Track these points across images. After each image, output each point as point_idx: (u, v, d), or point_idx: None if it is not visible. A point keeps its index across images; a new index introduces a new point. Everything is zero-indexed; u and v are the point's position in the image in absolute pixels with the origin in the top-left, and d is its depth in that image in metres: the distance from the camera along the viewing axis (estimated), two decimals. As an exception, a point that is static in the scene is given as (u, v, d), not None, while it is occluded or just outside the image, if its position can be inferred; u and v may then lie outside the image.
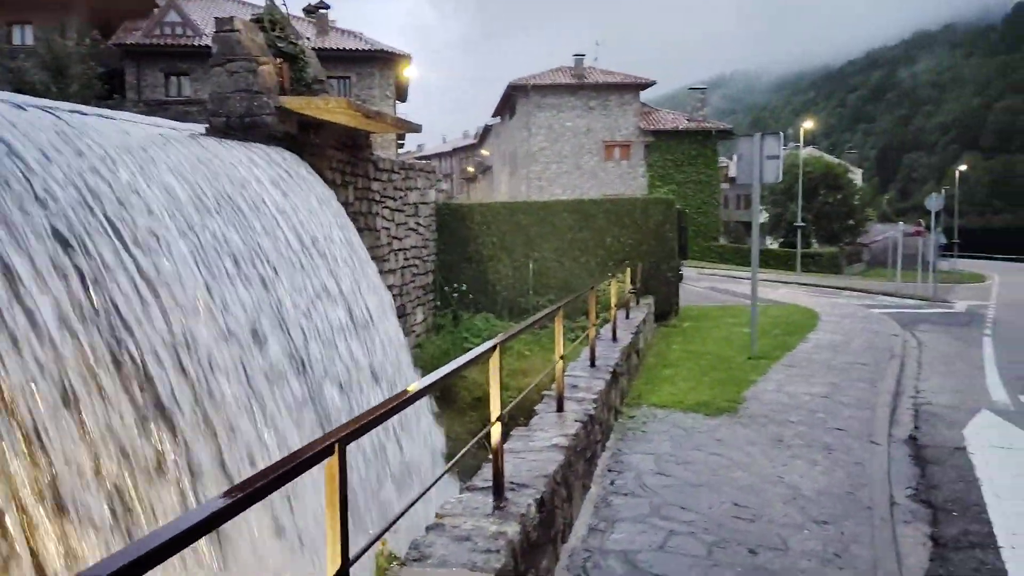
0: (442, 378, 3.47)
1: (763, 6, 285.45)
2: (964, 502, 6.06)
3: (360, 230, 11.68)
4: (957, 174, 67.14)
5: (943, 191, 35.29)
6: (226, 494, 1.82)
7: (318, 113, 10.04)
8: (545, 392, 6.82)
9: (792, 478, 6.32)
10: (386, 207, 13.52)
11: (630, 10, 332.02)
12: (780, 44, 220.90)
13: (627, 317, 12.18)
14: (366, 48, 27.48)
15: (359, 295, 9.95)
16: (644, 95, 44.02)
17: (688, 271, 26.64)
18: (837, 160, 60.40)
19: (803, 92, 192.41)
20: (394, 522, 2.86)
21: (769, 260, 43.01)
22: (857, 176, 64.98)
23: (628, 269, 14.13)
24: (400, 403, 2.88)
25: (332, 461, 2.33)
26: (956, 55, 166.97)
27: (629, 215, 16.38)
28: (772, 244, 50.70)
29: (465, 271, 16.21)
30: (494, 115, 51.34)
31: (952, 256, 49.65)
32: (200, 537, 1.63)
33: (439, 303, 15.97)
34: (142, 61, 26.11)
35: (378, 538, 2.73)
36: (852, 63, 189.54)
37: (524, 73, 42.38)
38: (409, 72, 29.13)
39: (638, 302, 14.61)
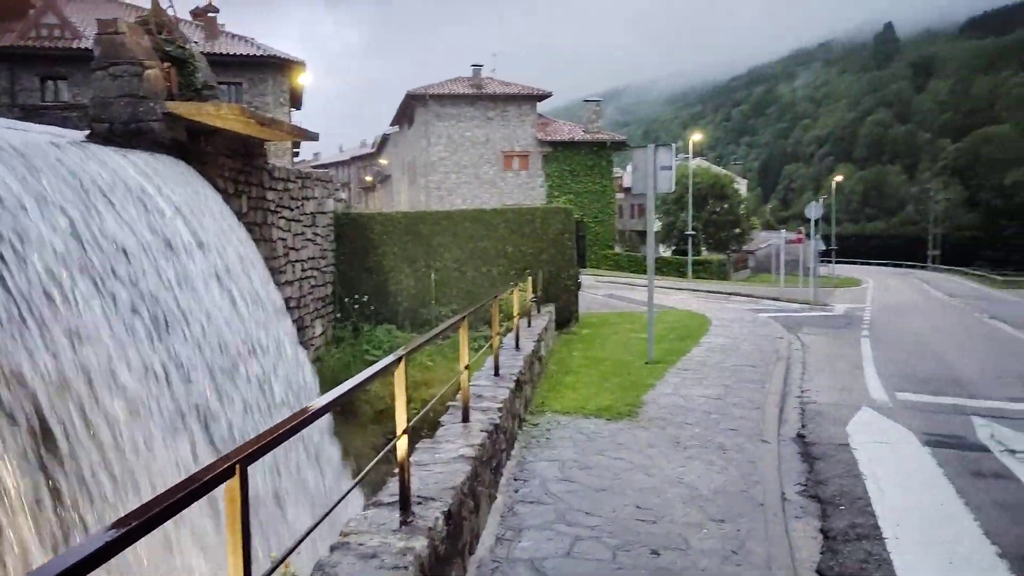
0: (347, 392, 3.39)
1: (654, 23, 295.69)
2: (850, 496, 6.41)
3: (255, 241, 11.33)
4: (833, 184, 71.16)
5: (821, 200, 37.35)
6: (117, 524, 1.71)
7: (209, 120, 9.68)
8: (450, 403, 6.79)
9: (690, 478, 6.52)
10: (282, 217, 13.17)
11: (526, 22, 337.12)
12: (670, 60, 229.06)
13: (529, 325, 12.29)
14: (258, 53, 26.73)
15: (249, 304, 9.64)
16: (541, 106, 44.70)
17: (586, 279, 27.14)
18: (724, 171, 62.99)
19: (691, 106, 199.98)
20: (298, 543, 2.77)
21: (662, 267, 44.37)
22: (742, 186, 67.95)
23: (529, 278, 14.27)
24: (302, 420, 2.79)
25: (232, 484, 2.25)
26: (831, 72, 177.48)
27: (529, 224, 16.55)
28: (665, 252, 52.37)
29: (366, 282, 15.97)
30: (392, 124, 50.93)
31: (830, 261, 52.54)
32: (86, 575, 1.52)
33: (339, 315, 15.66)
34: (16, 64, 24.55)
35: (282, 561, 2.64)
36: (736, 79, 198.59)
37: (422, 81, 42.38)
38: (304, 79, 28.51)
39: (539, 310, 14.77)
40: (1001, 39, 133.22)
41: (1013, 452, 7.61)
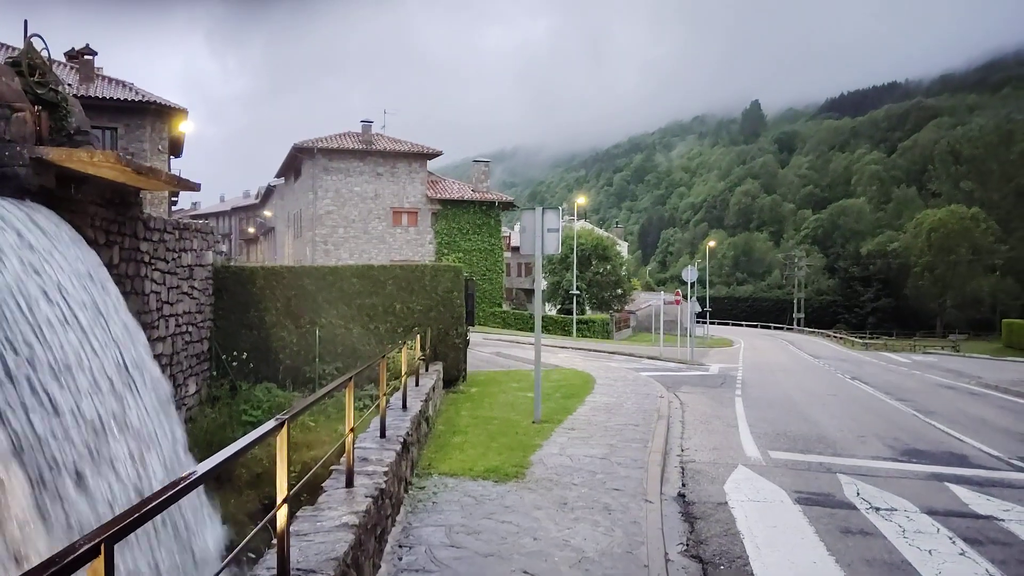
0: (223, 462, 3.20)
1: (541, 89, 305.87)
2: (729, 555, 6.57)
3: (125, 294, 10.72)
4: (707, 249, 74.82)
5: (696, 264, 39.17)
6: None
7: (82, 167, 9.17)
8: (334, 467, 6.55)
9: (577, 541, 6.52)
10: (156, 269, 12.55)
11: (418, 80, 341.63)
12: (555, 125, 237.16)
13: (417, 384, 12.12)
14: (136, 99, 25.75)
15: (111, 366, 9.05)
16: (431, 164, 45.09)
17: (475, 336, 27.18)
18: (606, 234, 65.23)
19: (576, 170, 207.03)
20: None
21: (548, 326, 45.06)
22: (624, 249, 70.49)
23: (418, 336, 14.14)
24: (175, 492, 2.61)
25: (97, 565, 2.06)
26: (704, 144, 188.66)
27: (419, 282, 16.47)
28: (551, 311, 53.27)
29: (245, 338, 15.35)
30: (278, 175, 49.96)
31: (705, 322, 54.86)
32: None
33: (215, 373, 14.94)
34: None
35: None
36: (617, 146, 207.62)
37: (311, 132, 42.07)
38: (185, 126, 27.63)
39: (427, 368, 14.62)
40: (856, 119, 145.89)
41: (878, 510, 8.04)
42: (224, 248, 62.78)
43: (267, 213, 59.69)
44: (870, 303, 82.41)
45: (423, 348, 14.56)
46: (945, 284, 72.61)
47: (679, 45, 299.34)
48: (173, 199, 32.20)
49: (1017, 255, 72.21)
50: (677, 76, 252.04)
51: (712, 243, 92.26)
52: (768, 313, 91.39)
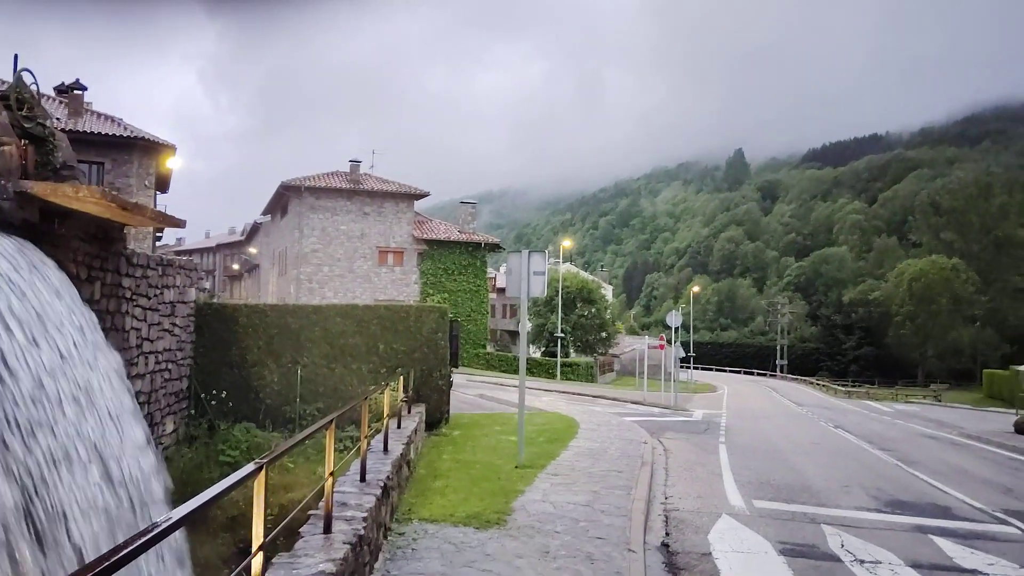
0: (200, 507, 3.12)
1: (531, 132, 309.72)
2: (713, 607, 6.45)
3: (105, 330, 10.57)
4: (691, 294, 75.22)
5: (680, 309, 39.32)
6: None
7: (66, 202, 9.11)
8: (312, 511, 6.41)
9: (559, 592, 6.38)
10: (138, 306, 12.42)
11: (407, 120, 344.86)
12: (543, 168, 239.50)
13: (399, 427, 11.98)
14: (124, 134, 25.78)
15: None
16: (418, 205, 45.27)
17: (458, 378, 26.99)
18: (591, 277, 65.44)
19: (562, 213, 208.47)
20: None
21: (532, 368, 44.90)
22: (608, 292, 70.70)
23: (401, 377, 14.01)
24: (148, 540, 2.53)
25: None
26: (689, 190, 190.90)
27: (403, 322, 16.37)
28: (535, 353, 53.14)
29: (226, 376, 15.15)
30: (264, 213, 49.97)
31: (689, 367, 54.87)
32: None
33: (193, 411, 14.71)
34: None
35: None
36: (603, 191, 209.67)
37: (300, 171, 42.14)
38: (173, 162, 27.65)
39: (410, 410, 14.46)
40: (837, 170, 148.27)
41: (863, 562, 7.96)
42: (207, 285, 62.45)
43: (252, 250, 59.53)
44: (852, 351, 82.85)
45: (406, 389, 14.42)
46: (926, 334, 73.20)
47: (667, 94, 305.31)
48: (158, 234, 32.09)
49: (996, 306, 73.08)
50: (664, 124, 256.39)
51: (696, 288, 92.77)
52: (751, 359, 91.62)
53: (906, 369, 76.77)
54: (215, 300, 19.77)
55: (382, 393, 10.86)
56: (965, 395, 56.88)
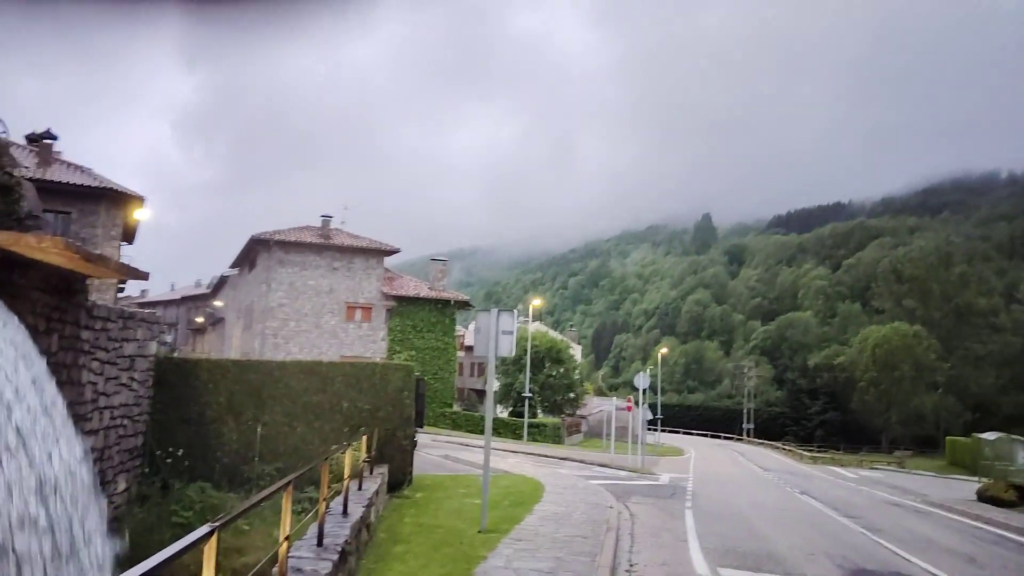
0: (148, 572, 3.00)
1: (503, 192, 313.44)
2: None
3: (60, 384, 10.28)
4: (659, 356, 75.47)
5: (648, 370, 39.39)
6: None
7: (29, 251, 8.95)
8: (265, 578, 6.18)
9: (520, 665, 6.19)
10: (96, 359, 12.12)
11: (382, 175, 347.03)
12: (514, 226, 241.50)
13: (360, 488, 11.71)
14: (91, 184, 25.57)
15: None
16: (388, 261, 45.25)
17: (424, 438, 26.62)
18: (560, 336, 65.51)
19: (532, 272, 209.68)
20: None
21: (499, 428, 44.46)
22: (577, 352, 70.69)
23: (364, 436, 13.77)
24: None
25: None
26: (657, 252, 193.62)
27: (368, 379, 16.16)
28: (502, 413, 52.71)
29: (183, 433, 14.75)
30: (232, 266, 49.56)
31: (656, 430, 54.72)
32: None
33: (147, 469, 14.26)
34: None
35: None
36: (574, 251, 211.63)
37: (271, 225, 42.01)
38: (141, 213, 27.42)
39: (372, 471, 14.18)
40: (802, 236, 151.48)
41: (826, 633, 7.85)
42: (169, 338, 61.41)
43: (218, 303, 58.82)
44: (817, 416, 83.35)
45: (369, 449, 14.15)
46: (890, 400, 73.99)
47: (638, 157, 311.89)
48: (121, 286, 31.63)
49: (958, 374, 74.29)
50: (634, 186, 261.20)
51: (664, 350, 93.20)
52: (718, 422, 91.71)
53: (871, 435, 77.29)
54: (176, 354, 19.41)
55: (344, 453, 10.64)
56: (928, 462, 57.29)
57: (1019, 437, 46.42)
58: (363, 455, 12.92)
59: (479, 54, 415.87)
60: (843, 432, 79.91)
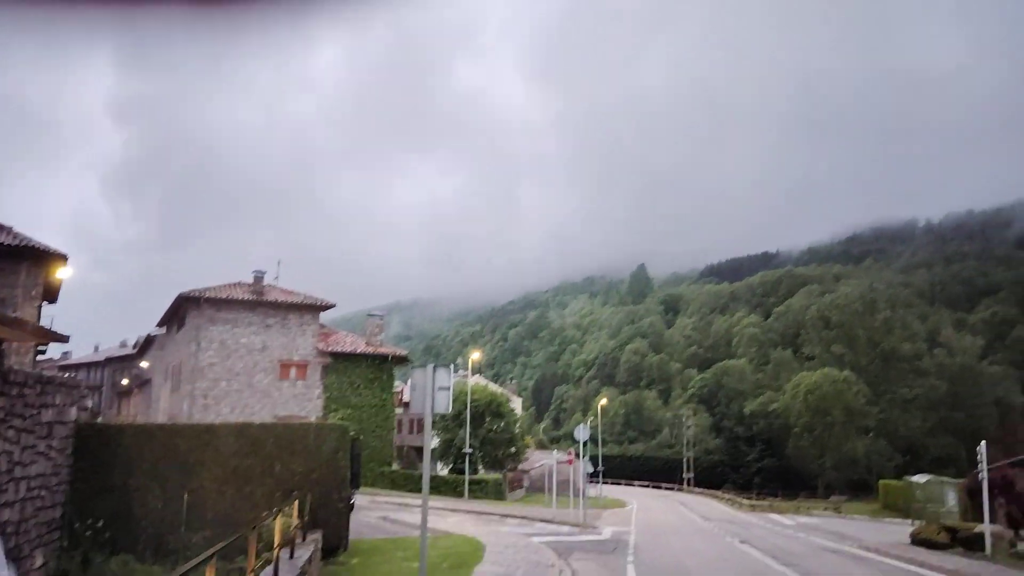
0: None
1: (443, 244, 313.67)
2: None
3: (-31, 456, 9.70)
4: (599, 407, 75.71)
5: (588, 422, 39.42)
6: None
7: (-67, 317, 8.51)
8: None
9: None
10: (11, 427, 11.49)
11: (319, 230, 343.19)
12: (454, 279, 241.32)
13: (291, 556, 11.28)
14: (12, 243, 24.62)
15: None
16: (326, 316, 44.54)
17: (361, 499, 25.89)
18: (501, 389, 65.18)
19: (471, 324, 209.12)
20: None
21: (439, 486, 43.66)
22: (518, 405, 70.43)
23: (295, 501, 13.32)
24: None
25: None
26: (595, 303, 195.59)
27: (301, 441, 15.73)
28: (443, 470, 51.82)
29: (105, 503, 14.02)
30: (160, 325, 48.04)
31: (598, 482, 54.55)
32: None
33: (66, 543, 13.47)
34: None
35: None
36: (513, 302, 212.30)
37: (203, 281, 40.91)
38: (64, 272, 26.44)
39: (305, 537, 13.69)
40: (733, 285, 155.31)
41: None
42: (90, 403, 58.91)
43: (144, 364, 56.81)
44: (755, 463, 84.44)
45: (301, 514, 13.69)
46: (823, 445, 75.55)
47: (576, 209, 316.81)
48: (41, 348, 30.34)
49: (887, 417, 76.53)
50: (572, 237, 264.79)
51: (604, 401, 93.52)
52: (659, 472, 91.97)
53: (807, 480, 78.54)
54: (100, 419, 18.60)
55: (274, 520, 10.26)
56: (863, 506, 58.40)
57: (948, 479, 47.90)
58: (295, 520, 12.48)
59: (420, 107, 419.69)
60: (780, 478, 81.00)
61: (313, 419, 34.20)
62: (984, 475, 29.98)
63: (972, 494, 34.71)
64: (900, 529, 33.23)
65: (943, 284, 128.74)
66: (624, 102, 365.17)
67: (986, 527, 25.23)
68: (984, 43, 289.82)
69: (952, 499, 43.23)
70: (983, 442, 30.77)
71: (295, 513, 12.58)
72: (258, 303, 40.98)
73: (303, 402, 40.89)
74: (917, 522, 36.11)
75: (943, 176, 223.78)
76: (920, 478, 49.11)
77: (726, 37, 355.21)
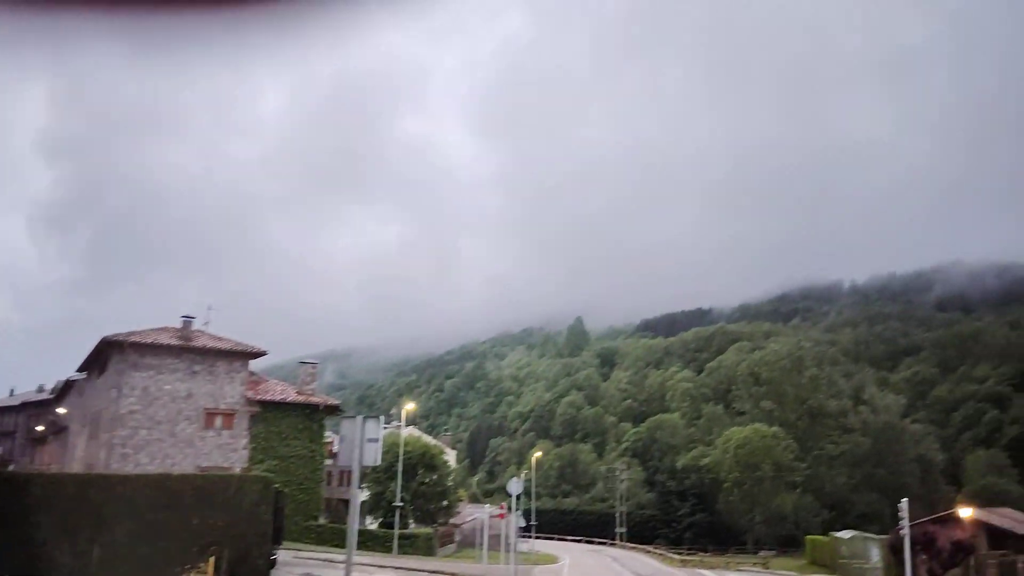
0: None
1: (382, 294, 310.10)
2: None
3: None
4: (533, 460, 75.29)
5: (522, 475, 39.16)
6: None
7: None
8: None
9: None
10: (-96, 477, 10.83)
11: (254, 276, 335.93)
12: (392, 329, 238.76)
13: (204, 616, 10.79)
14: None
15: None
16: (257, 364, 43.46)
17: (285, 554, 24.99)
18: (434, 441, 64.30)
19: (407, 375, 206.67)
20: None
21: (367, 541, 42.48)
22: (452, 457, 69.46)
23: (212, 557, 12.82)
24: None
25: None
26: (532, 355, 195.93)
27: (222, 494, 15.21)
28: (372, 524, 50.54)
29: (9, 559, 13.25)
30: (80, 369, 46.12)
31: (530, 537, 53.95)
32: None
33: (-40, 602, 12.65)
34: None
35: None
36: (450, 353, 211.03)
37: (130, 326, 39.45)
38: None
39: (220, 595, 13.14)
40: (668, 340, 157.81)
41: None
42: (1, 450, 55.97)
43: (61, 410, 54.29)
44: (687, 518, 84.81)
45: (218, 570, 13.17)
46: (753, 500, 76.48)
47: (515, 261, 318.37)
48: (-52, 391, 28.83)
49: (814, 473, 78.12)
50: (511, 289, 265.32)
51: (539, 454, 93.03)
52: (592, 526, 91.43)
53: (737, 535, 79.15)
54: (12, 467, 17.65)
55: (188, 578, 9.84)
56: (790, 561, 59.07)
57: (872, 535, 48.96)
58: (211, 578, 11.99)
59: (362, 157, 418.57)
60: (711, 533, 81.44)
61: (238, 470, 33.10)
62: (906, 531, 30.84)
63: (895, 550, 35.64)
64: (825, 585, 33.71)
65: (867, 343, 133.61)
66: (566, 159, 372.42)
67: (906, 583, 25.81)
68: (909, 117, 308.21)
69: (876, 555, 44.18)
70: (905, 499, 31.72)
71: (210, 570, 12.09)
72: (185, 349, 39.77)
73: (228, 452, 39.52)
74: (842, 578, 36.70)
75: (868, 240, 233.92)
76: (845, 534, 50.07)
77: (666, 103, 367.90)
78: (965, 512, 38.27)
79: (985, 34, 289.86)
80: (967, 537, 35.67)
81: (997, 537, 42.26)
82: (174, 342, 39.63)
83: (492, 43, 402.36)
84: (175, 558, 14.09)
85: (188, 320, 41.70)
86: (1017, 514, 52.79)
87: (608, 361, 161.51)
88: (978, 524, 40.34)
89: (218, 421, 39.68)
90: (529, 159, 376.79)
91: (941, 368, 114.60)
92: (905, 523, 30.20)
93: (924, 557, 35.12)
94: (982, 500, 55.65)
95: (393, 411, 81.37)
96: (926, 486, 77.23)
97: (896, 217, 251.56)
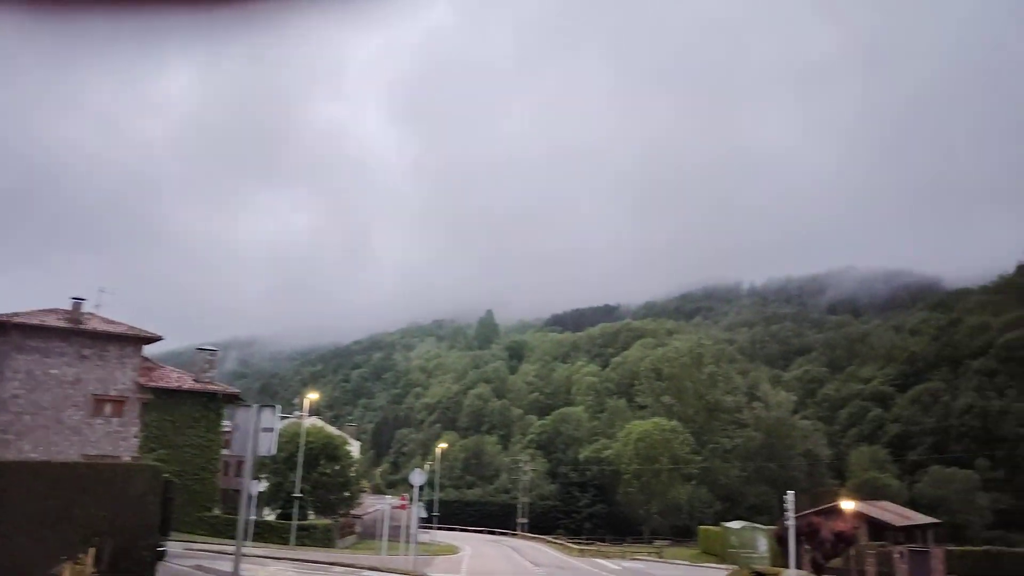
0: None
1: (289, 281, 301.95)
2: None
3: None
4: (438, 451, 75.30)
5: (427, 466, 39.15)
6: None
7: None
8: None
9: None
10: None
11: (156, 259, 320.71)
12: (300, 317, 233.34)
13: (82, 609, 10.42)
14: None
15: None
16: (152, 350, 41.80)
17: (176, 546, 24.29)
18: (338, 432, 63.43)
19: (313, 364, 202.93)
20: None
21: (264, 532, 41.70)
22: (355, 448, 68.69)
23: (94, 548, 12.36)
24: None
25: None
26: (442, 346, 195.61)
27: (107, 483, 14.67)
28: (270, 515, 49.52)
29: None
30: (-43, 351, 43.30)
31: (432, 528, 54.00)
32: None
33: None
34: None
35: None
36: (358, 343, 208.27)
37: (17, 309, 37.21)
38: None
39: (102, 588, 12.69)
40: (575, 334, 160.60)
41: None
42: None
43: (-65, 393, 50.84)
44: (586, 508, 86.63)
45: (99, 562, 12.71)
46: (650, 491, 78.81)
47: (429, 252, 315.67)
48: None
49: (709, 466, 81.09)
50: (423, 281, 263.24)
51: (444, 445, 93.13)
52: (495, 517, 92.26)
53: (634, 525, 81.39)
54: None
55: (65, 571, 9.49)
56: (684, 551, 61.19)
57: (760, 526, 51.18)
58: (90, 570, 11.57)
59: (274, 141, 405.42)
60: (610, 524, 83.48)
61: (128, 459, 31.85)
62: (791, 522, 32.41)
63: (781, 540, 37.37)
64: (716, 573, 35.18)
65: (763, 342, 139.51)
66: (484, 152, 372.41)
67: (792, 572, 27.20)
68: (817, 127, 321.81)
69: (763, 545, 46.23)
70: (791, 492, 33.33)
71: (89, 562, 11.66)
72: (74, 332, 37.86)
73: (118, 441, 37.91)
74: (731, 567, 38.31)
75: (768, 245, 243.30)
76: (735, 524, 52.17)
77: (585, 104, 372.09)
78: (848, 505, 40.51)
79: (896, 49, 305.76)
80: (849, 528, 37.70)
81: (877, 529, 45.00)
82: (62, 324, 37.68)
83: (416, 34, 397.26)
84: (56, 550, 13.49)
85: (78, 302, 39.68)
86: (896, 507, 56.40)
87: (517, 354, 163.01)
88: (860, 516, 42.82)
89: (108, 408, 37.97)
90: (447, 150, 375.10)
91: (830, 368, 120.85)
92: (791, 514, 31.70)
93: (808, 547, 36.91)
94: (864, 494, 59.16)
95: (296, 401, 79.91)
96: (813, 479, 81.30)
97: (796, 223, 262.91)
